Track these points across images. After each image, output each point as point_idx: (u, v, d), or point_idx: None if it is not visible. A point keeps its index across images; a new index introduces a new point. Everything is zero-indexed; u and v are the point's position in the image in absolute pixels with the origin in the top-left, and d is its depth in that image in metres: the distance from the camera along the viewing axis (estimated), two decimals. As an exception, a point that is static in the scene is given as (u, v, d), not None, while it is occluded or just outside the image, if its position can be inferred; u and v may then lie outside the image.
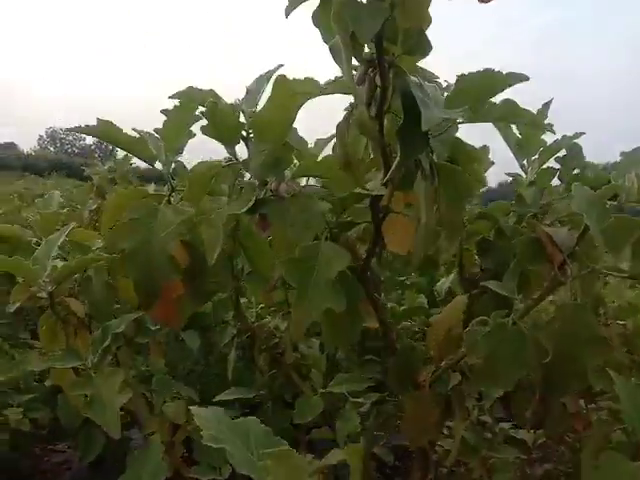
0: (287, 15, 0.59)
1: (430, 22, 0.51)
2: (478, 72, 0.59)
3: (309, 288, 0.64)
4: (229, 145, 0.75)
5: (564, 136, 1.11)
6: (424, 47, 0.56)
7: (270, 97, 0.60)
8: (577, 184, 0.76)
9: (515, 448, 1.37)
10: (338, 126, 0.61)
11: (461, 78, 0.60)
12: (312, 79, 0.60)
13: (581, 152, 1.09)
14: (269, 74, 0.79)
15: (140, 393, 1.00)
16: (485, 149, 1.01)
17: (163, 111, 0.98)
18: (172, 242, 0.94)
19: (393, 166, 0.58)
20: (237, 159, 0.76)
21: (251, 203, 0.70)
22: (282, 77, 0.60)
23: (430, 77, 0.72)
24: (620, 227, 0.67)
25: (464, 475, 1.43)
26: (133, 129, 0.97)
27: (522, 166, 1.11)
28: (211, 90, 0.75)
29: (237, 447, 0.54)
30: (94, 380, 0.87)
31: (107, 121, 0.95)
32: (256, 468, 0.52)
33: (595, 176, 1.04)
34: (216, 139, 0.74)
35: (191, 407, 0.59)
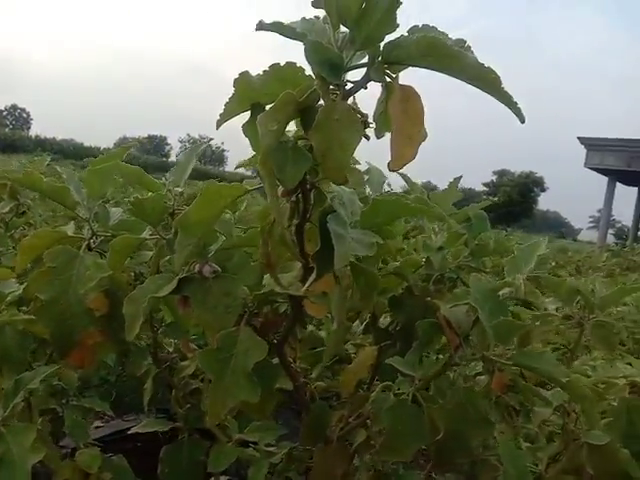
0: (218, 127, 0.63)
1: (348, 174, 0.56)
2: (390, 197, 0.66)
3: (225, 378, 0.68)
4: (154, 226, 0.77)
5: (472, 204, 1.23)
6: (344, 178, 0.61)
7: (198, 201, 0.63)
8: (474, 275, 0.85)
9: None
10: (261, 234, 0.65)
11: (376, 200, 0.66)
12: (240, 186, 0.64)
13: (485, 220, 1.20)
14: (196, 149, 0.82)
15: (52, 444, 1.00)
16: (398, 223, 1.09)
17: (91, 161, 0.98)
18: (91, 294, 0.95)
19: (311, 278, 0.63)
20: (161, 236, 0.78)
21: (173, 285, 0.73)
22: (212, 184, 0.63)
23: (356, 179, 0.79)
24: (507, 325, 0.76)
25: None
26: (50, 180, 0.96)
27: (433, 230, 1.21)
28: (138, 169, 0.77)
29: None
30: (5, 438, 0.86)
31: (30, 171, 0.94)
32: None
33: (495, 247, 1.16)
34: (143, 220, 0.76)
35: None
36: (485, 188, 58.93)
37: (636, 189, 21.30)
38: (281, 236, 0.62)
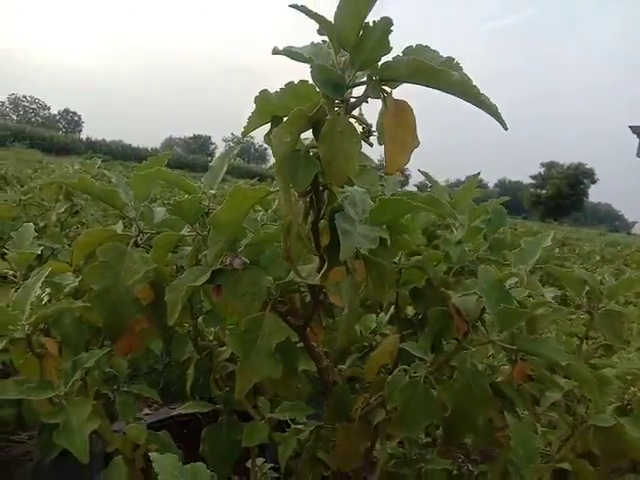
0: (243, 137, 0.72)
1: (352, 175, 0.65)
2: (394, 197, 0.74)
3: (252, 357, 0.78)
4: (191, 224, 0.88)
5: (491, 200, 1.28)
6: (349, 181, 0.69)
7: (226, 203, 0.73)
8: (483, 267, 0.92)
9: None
10: (282, 231, 0.74)
11: (382, 199, 0.74)
12: (263, 188, 0.73)
13: (504, 216, 1.25)
14: (228, 154, 0.92)
15: (105, 418, 1.13)
16: (417, 217, 1.16)
17: (136, 167, 1.09)
18: (138, 285, 1.07)
19: (323, 269, 0.72)
20: (198, 233, 0.89)
21: (208, 275, 0.84)
22: (238, 187, 0.73)
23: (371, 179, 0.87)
24: (510, 312, 0.83)
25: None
26: (101, 184, 1.09)
27: (453, 225, 1.27)
28: (177, 175, 0.88)
29: (186, 492, 0.68)
30: (65, 409, 0.99)
31: (83, 177, 1.06)
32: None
33: (511, 241, 1.21)
34: (182, 219, 0.87)
35: (151, 454, 0.72)
36: (533, 181, 57.36)
37: (694, 179, 20.28)
38: (297, 233, 0.71)
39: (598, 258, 5.71)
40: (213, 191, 0.88)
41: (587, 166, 53.21)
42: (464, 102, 0.59)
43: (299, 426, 1.17)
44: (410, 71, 0.57)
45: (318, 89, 0.62)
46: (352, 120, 0.69)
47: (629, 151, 19.27)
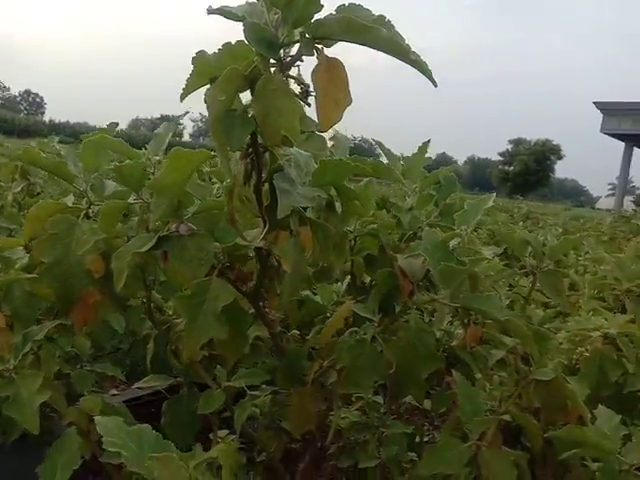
0: (182, 99, 0.72)
1: (293, 136, 0.66)
2: (335, 159, 0.75)
3: (198, 319, 0.79)
4: (136, 191, 0.87)
5: (442, 167, 1.31)
6: (288, 142, 0.70)
7: (167, 166, 0.73)
8: (427, 229, 0.95)
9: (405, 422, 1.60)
10: (225, 193, 0.75)
11: (323, 161, 0.75)
12: (204, 151, 0.73)
13: (454, 183, 1.28)
14: (173, 123, 0.91)
15: (59, 389, 1.13)
16: (370, 185, 1.18)
17: (84, 137, 1.08)
18: (88, 256, 1.06)
19: (263, 233, 0.73)
20: (143, 199, 0.88)
21: (153, 242, 0.84)
22: (178, 150, 0.73)
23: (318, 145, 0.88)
24: (450, 271, 0.85)
25: (360, 449, 1.65)
26: (49, 156, 1.07)
27: (406, 193, 1.29)
28: (120, 141, 0.87)
29: (131, 451, 0.69)
30: (15, 382, 0.99)
31: (29, 148, 1.04)
32: (145, 468, 0.67)
33: (461, 206, 1.24)
34: (125, 186, 0.86)
35: (95, 417, 0.73)
36: (501, 158, 58.17)
37: (654, 154, 20.89)
38: (239, 195, 0.72)
39: (560, 230, 5.86)
40: (158, 157, 0.88)
41: (554, 142, 54.20)
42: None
43: (256, 392, 1.19)
44: (342, 28, 0.58)
45: (252, 48, 0.62)
46: (292, 82, 0.69)
47: (594, 127, 19.71)
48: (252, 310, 0.97)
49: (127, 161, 0.85)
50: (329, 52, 0.63)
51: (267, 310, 1.02)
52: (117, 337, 1.90)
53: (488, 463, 0.97)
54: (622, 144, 19.54)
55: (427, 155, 1.27)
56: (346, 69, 0.61)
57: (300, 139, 0.95)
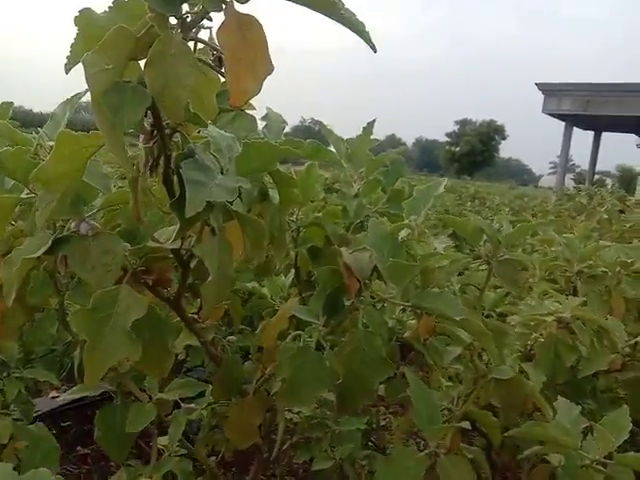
0: (67, 71, 0.58)
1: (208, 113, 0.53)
2: (260, 141, 0.63)
3: (104, 338, 0.65)
4: (23, 183, 0.72)
5: (389, 150, 1.20)
6: (200, 120, 0.57)
7: (54, 153, 0.59)
8: (373, 219, 0.84)
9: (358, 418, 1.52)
10: (129, 185, 0.61)
11: (247, 144, 0.63)
12: (97, 135, 0.59)
13: (402, 166, 1.18)
14: (71, 100, 0.76)
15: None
16: (312, 170, 1.06)
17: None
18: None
19: (174, 233, 0.60)
20: (37, 194, 0.73)
21: (48, 245, 0.69)
22: (66, 133, 0.59)
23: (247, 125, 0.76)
24: (399, 268, 0.75)
25: (312, 447, 1.56)
26: None
27: (351, 177, 1.18)
28: (4, 124, 0.71)
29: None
30: None
31: None
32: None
33: (410, 192, 1.14)
34: (9, 178, 0.71)
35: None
36: (448, 139, 59.32)
37: (592, 133, 21.72)
38: (143, 188, 0.58)
39: (507, 210, 5.94)
40: (53, 143, 0.72)
41: (498, 123, 55.58)
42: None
43: (190, 405, 1.06)
44: (254, -26, 0.46)
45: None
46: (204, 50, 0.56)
47: (536, 107, 20.24)
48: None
49: (11, 148, 0.69)
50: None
51: (196, 316, 0.90)
52: (50, 339, 1.75)
53: (447, 471, 0.89)
54: (562, 124, 20.20)
55: (373, 137, 1.16)
56: (264, 28, 0.49)
57: (226, 119, 0.83)
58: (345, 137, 1.20)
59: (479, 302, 1.08)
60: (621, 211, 4.72)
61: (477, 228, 0.93)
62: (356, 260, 0.84)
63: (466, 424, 0.88)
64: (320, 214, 1.21)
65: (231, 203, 0.68)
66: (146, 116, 0.57)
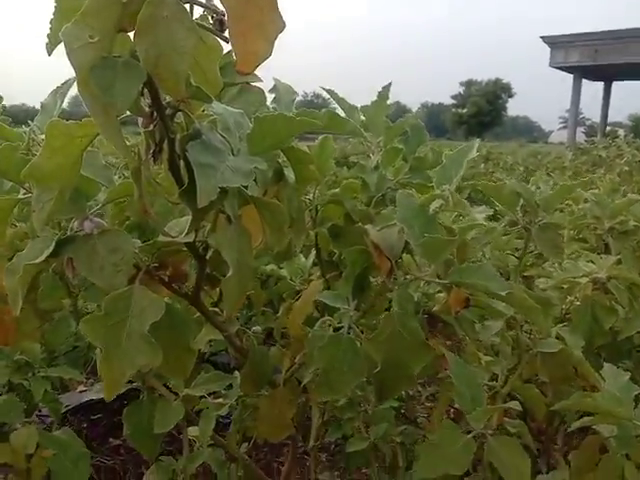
0: (49, 53, 0.51)
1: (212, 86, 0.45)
2: (272, 114, 0.56)
3: (121, 345, 0.60)
4: (16, 182, 0.66)
5: (407, 115, 1.12)
6: (204, 95, 0.50)
7: (45, 147, 0.53)
8: (401, 191, 0.77)
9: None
10: (132, 174, 0.55)
11: (258, 118, 0.55)
12: (91, 122, 0.53)
13: (423, 131, 1.10)
14: (61, 89, 0.69)
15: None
16: (326, 143, 0.99)
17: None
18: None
19: (187, 225, 0.53)
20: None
21: (51, 248, 0.63)
22: (56, 122, 0.52)
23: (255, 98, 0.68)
24: (435, 243, 0.68)
25: (344, 425, 1.52)
26: None
27: (368, 147, 1.11)
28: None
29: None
30: None
31: None
32: None
33: (434, 159, 1.06)
34: (3, 178, 0.65)
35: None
36: (454, 101, 58.29)
37: (602, 84, 21.14)
38: (149, 177, 0.52)
39: (522, 169, 5.80)
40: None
41: (504, 81, 54.38)
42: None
43: (219, 400, 1.02)
44: None
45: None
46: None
47: (542, 62, 19.70)
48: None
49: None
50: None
51: (217, 309, 0.84)
52: (72, 336, 1.73)
53: (498, 454, 0.83)
54: (571, 77, 19.67)
55: (389, 102, 1.07)
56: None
57: (231, 94, 0.75)
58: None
59: (517, 274, 1.00)
60: (640, 161, 4.58)
61: (513, 192, 0.86)
62: (385, 238, 0.77)
63: (515, 404, 0.82)
64: (338, 190, 1.14)
65: (245, 187, 0.61)
66: (143, 95, 0.50)
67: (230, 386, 1.05)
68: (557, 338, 1.07)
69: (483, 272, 0.72)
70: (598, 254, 1.70)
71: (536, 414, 1.05)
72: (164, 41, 0.40)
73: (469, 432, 0.84)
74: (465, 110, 54.06)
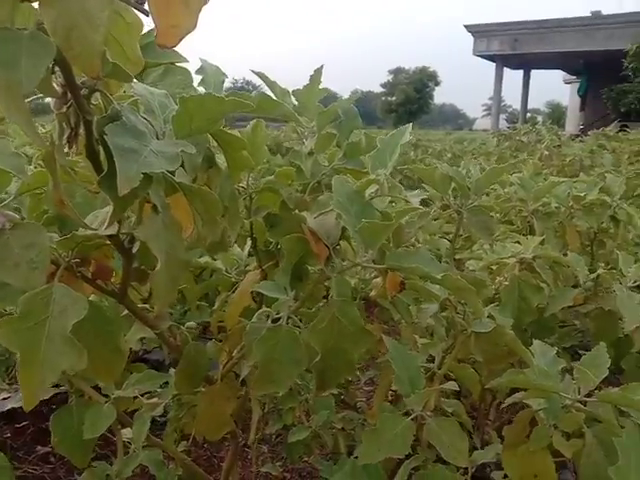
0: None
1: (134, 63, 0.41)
2: (205, 95, 0.52)
3: (40, 350, 0.55)
4: None
5: (339, 99, 1.10)
6: (123, 74, 0.46)
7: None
8: (337, 177, 0.75)
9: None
10: (44, 161, 0.49)
11: (183, 99, 0.52)
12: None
13: (356, 116, 1.09)
14: None
15: None
16: (259, 128, 0.96)
17: None
18: None
19: (108, 216, 0.49)
20: None
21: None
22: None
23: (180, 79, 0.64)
24: (373, 228, 0.68)
25: (285, 416, 1.51)
26: None
27: (302, 133, 1.08)
28: None
29: None
30: None
31: None
32: None
33: (367, 144, 1.06)
34: None
35: None
36: (383, 89, 59.21)
37: (522, 72, 22.18)
38: (62, 164, 0.47)
39: (450, 155, 5.98)
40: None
41: (430, 69, 55.78)
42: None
43: (153, 400, 0.97)
44: None
45: None
46: None
47: (466, 50, 20.36)
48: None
49: None
50: None
51: (148, 305, 0.80)
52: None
53: (437, 435, 0.84)
54: (493, 65, 20.49)
55: (321, 86, 1.05)
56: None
57: (154, 75, 0.71)
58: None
59: (452, 258, 1.02)
60: (558, 146, 4.84)
61: (445, 176, 0.87)
62: (322, 225, 0.76)
63: (452, 384, 0.84)
64: (273, 177, 1.12)
65: (173, 173, 0.58)
66: (54, 74, 0.45)
67: (166, 384, 1.01)
68: (489, 318, 1.11)
69: (419, 256, 0.72)
70: (524, 235, 1.78)
71: (473, 392, 1.09)
72: (75, 11, 0.36)
73: (408, 415, 0.86)
74: (394, 98, 55.09)
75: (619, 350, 1.65)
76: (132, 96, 0.55)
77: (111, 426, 1.17)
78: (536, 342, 1.08)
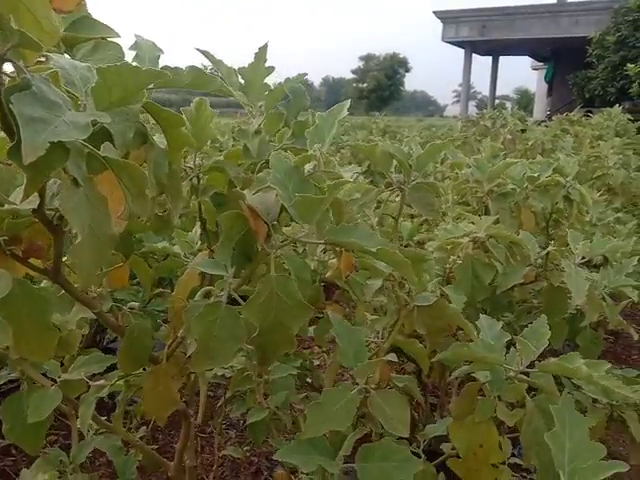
0: None
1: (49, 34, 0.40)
2: (121, 66, 0.52)
3: (-40, 326, 0.54)
4: None
5: (287, 79, 1.10)
6: (33, 43, 0.45)
7: None
8: (275, 153, 0.76)
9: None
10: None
11: (101, 70, 0.51)
12: None
13: (304, 96, 1.09)
14: None
15: None
16: (202, 106, 0.94)
17: None
18: None
19: (22, 189, 0.48)
20: None
21: None
22: None
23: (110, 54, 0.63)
24: (307, 203, 0.68)
25: (247, 399, 1.52)
26: None
27: (250, 113, 1.08)
28: None
29: None
30: None
31: None
32: None
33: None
34: None
35: None
36: (354, 75, 59.11)
37: (490, 59, 22.38)
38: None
39: (418, 140, 6.03)
40: None
41: (401, 56, 55.90)
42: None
43: (99, 382, 0.96)
44: None
45: None
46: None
47: (436, 37, 20.40)
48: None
49: None
50: None
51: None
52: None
53: (380, 407, 0.86)
54: (462, 51, 20.61)
55: (268, 64, 1.05)
56: None
57: (85, 50, 0.70)
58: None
59: (395, 232, 1.04)
60: (523, 130, 4.93)
61: (386, 153, 0.87)
62: (261, 201, 0.76)
63: (392, 356, 0.86)
64: (221, 157, 1.11)
65: (98, 147, 0.57)
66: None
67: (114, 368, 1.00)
68: (442, 295, 1.13)
69: (357, 231, 0.73)
70: (479, 215, 1.81)
71: (422, 366, 1.11)
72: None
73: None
74: (365, 85, 55.07)
75: (573, 325, 1.70)
76: (52, 68, 0.54)
77: (66, 412, 1.17)
78: (482, 316, 1.10)
